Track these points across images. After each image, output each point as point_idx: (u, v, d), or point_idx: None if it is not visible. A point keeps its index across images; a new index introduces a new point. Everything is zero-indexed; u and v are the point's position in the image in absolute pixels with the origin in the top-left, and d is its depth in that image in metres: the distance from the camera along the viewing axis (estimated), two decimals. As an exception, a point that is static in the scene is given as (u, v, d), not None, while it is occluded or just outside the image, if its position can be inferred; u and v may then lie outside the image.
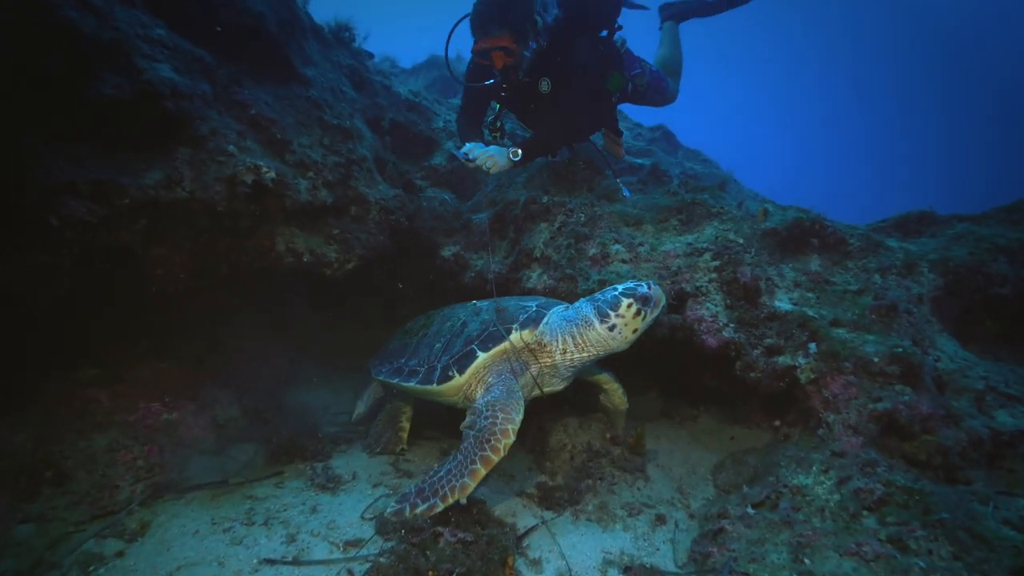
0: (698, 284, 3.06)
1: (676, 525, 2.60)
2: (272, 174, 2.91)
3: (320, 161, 3.48)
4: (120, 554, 2.19)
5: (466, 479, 2.28)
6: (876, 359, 2.58)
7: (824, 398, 2.66)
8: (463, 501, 2.26)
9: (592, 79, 4.00)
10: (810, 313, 2.88)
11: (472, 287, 3.66)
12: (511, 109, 4.42)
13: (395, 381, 2.99)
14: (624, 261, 3.17)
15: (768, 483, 2.52)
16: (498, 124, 4.25)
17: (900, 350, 2.57)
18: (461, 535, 2.23)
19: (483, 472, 2.28)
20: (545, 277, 3.23)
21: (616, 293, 2.59)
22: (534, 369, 2.77)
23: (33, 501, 2.38)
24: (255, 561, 2.17)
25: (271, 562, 2.18)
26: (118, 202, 2.47)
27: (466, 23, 3.84)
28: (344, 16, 4.79)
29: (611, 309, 2.55)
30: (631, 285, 2.61)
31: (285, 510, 2.57)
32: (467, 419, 2.52)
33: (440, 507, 2.26)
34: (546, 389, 2.86)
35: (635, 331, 2.59)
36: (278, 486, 2.82)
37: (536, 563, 2.25)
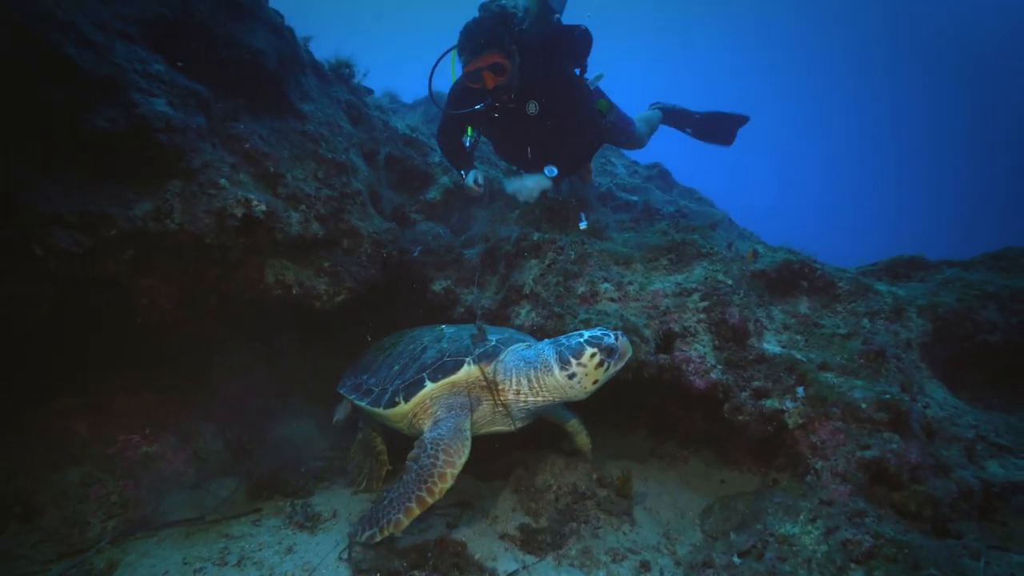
0: (686, 324, 3.04)
1: (661, 572, 2.52)
2: (263, 207, 2.91)
3: (313, 194, 3.50)
4: (85, 596, 2.12)
5: (400, 515, 2.30)
6: (864, 405, 2.54)
7: (812, 443, 2.61)
8: (398, 535, 2.31)
9: (584, 98, 4.26)
10: (798, 356, 2.85)
11: (461, 322, 3.63)
12: (492, 135, 4.55)
13: (352, 398, 3.01)
14: (612, 300, 3.15)
15: (755, 531, 2.45)
16: (473, 152, 4.42)
17: (888, 396, 2.53)
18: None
19: (416, 512, 2.29)
20: (533, 314, 3.21)
21: (581, 340, 2.47)
22: (486, 407, 2.68)
23: (0, 535, 2.31)
24: (224, 606, 2.10)
25: (241, 607, 2.10)
26: (106, 233, 2.47)
27: (447, 59, 4.08)
28: (346, 53, 4.90)
29: (573, 356, 2.45)
30: (597, 333, 2.50)
31: (260, 550, 2.49)
32: (413, 451, 2.51)
33: (379, 537, 2.30)
34: (494, 428, 2.79)
35: (595, 382, 2.48)
36: (255, 524, 2.75)
37: (517, 611, 2.18)
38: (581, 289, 3.21)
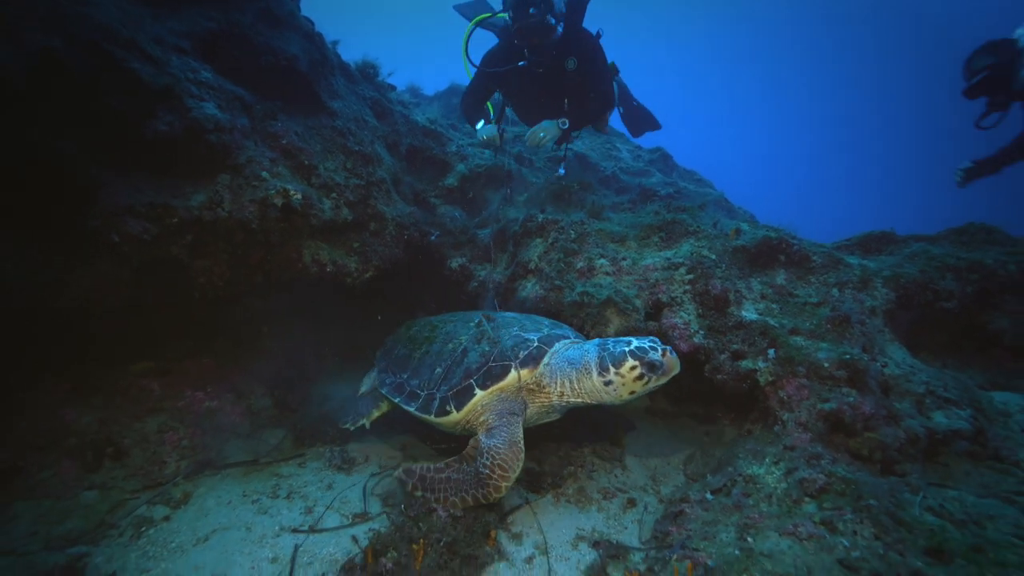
0: (673, 295, 3.20)
1: (645, 508, 2.73)
2: (299, 196, 3.13)
3: (343, 183, 3.71)
4: (167, 518, 2.42)
5: (455, 500, 2.32)
6: (826, 364, 2.69)
7: (780, 398, 2.77)
8: (457, 513, 2.28)
9: (603, 54, 4.69)
10: (772, 322, 3.00)
11: (475, 295, 3.85)
12: (521, 95, 4.81)
13: (397, 400, 2.84)
14: (608, 273, 3.32)
15: (727, 473, 2.64)
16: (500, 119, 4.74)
17: (848, 356, 2.68)
18: (454, 511, 2.41)
19: (471, 505, 2.31)
20: (538, 288, 3.40)
21: (625, 349, 2.34)
22: (533, 408, 2.59)
23: (96, 472, 2.62)
24: (277, 528, 2.38)
25: (292, 530, 2.38)
26: (168, 221, 2.71)
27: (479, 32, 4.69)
28: (373, 52, 5.06)
29: (613, 364, 2.33)
30: (645, 345, 2.35)
31: (305, 486, 2.78)
32: (471, 448, 2.44)
33: (431, 503, 2.32)
34: (542, 422, 2.76)
35: (632, 393, 2.37)
36: (300, 466, 3.03)
37: (517, 536, 2.41)
38: (580, 264, 3.38)
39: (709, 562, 2.00)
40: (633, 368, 2.32)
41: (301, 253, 3.53)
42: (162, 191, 2.79)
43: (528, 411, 2.56)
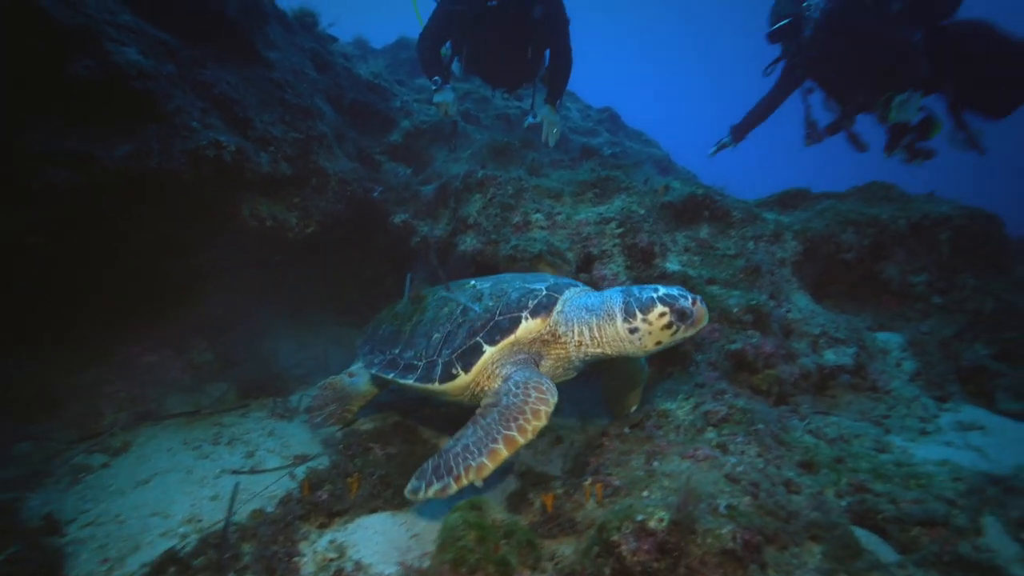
0: (604, 248, 3.34)
1: (571, 444, 2.94)
2: (232, 148, 3.07)
3: (281, 137, 3.63)
4: (105, 465, 2.46)
5: (484, 459, 1.83)
6: (735, 309, 2.92)
7: (695, 342, 3.00)
8: (479, 483, 1.82)
9: (566, 15, 4.79)
10: (691, 273, 3.20)
11: (417, 249, 3.90)
12: (477, 44, 4.83)
13: (391, 376, 2.48)
14: (543, 228, 3.43)
15: (644, 410, 2.87)
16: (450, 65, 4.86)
17: (755, 302, 2.91)
18: (389, 450, 2.54)
19: (505, 454, 1.84)
20: (475, 242, 3.48)
21: (653, 296, 2.11)
22: (548, 362, 2.31)
23: (31, 423, 2.61)
24: (218, 470, 2.46)
25: (233, 472, 2.46)
26: (92, 171, 2.63)
27: None
28: (309, 3, 4.86)
29: (640, 310, 2.09)
30: (674, 292, 2.12)
31: (248, 433, 2.85)
32: (488, 397, 2.11)
33: (453, 488, 1.82)
34: (558, 381, 2.36)
35: (658, 343, 2.14)
36: (243, 415, 3.09)
37: (450, 470, 2.57)
38: (516, 219, 3.47)
39: (616, 482, 2.21)
40: (662, 315, 2.07)
41: (239, 207, 3.48)
42: (85, 140, 2.68)
43: (544, 365, 2.29)
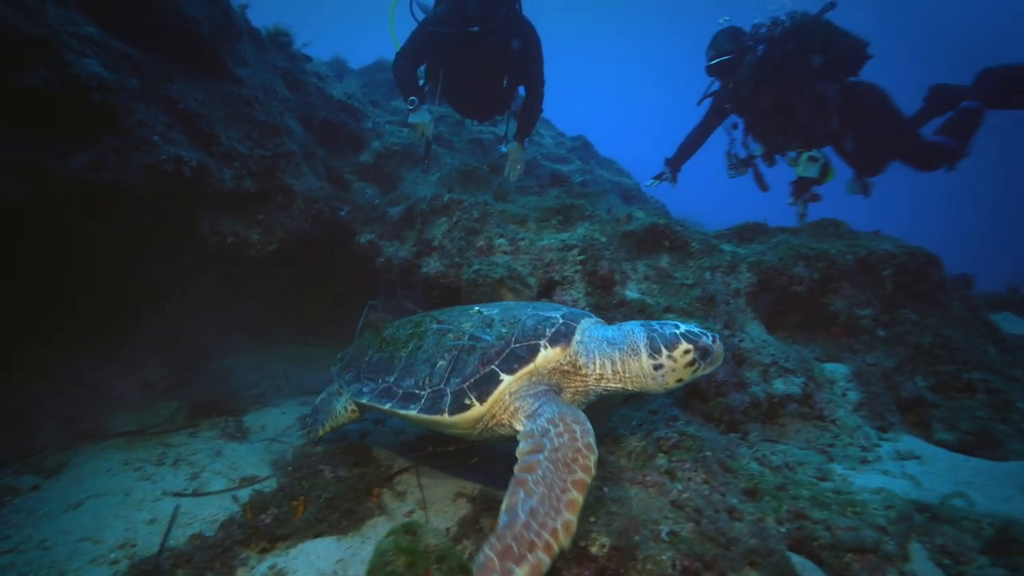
0: (565, 274, 3.40)
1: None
2: (193, 163, 3.04)
3: (247, 153, 3.62)
4: (36, 487, 2.35)
5: (565, 515, 1.61)
6: (690, 338, 2.99)
7: (651, 368, 3.05)
8: (567, 545, 1.56)
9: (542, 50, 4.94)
10: (649, 301, 3.27)
11: (381, 270, 3.90)
12: (454, 69, 4.88)
13: (387, 406, 2.26)
14: (506, 252, 3.48)
15: (598, 435, 2.89)
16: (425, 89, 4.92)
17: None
18: (340, 472, 2.50)
19: (580, 500, 1.66)
20: (439, 264, 3.50)
21: (676, 332, 2.09)
22: (566, 395, 2.18)
23: (-43, 443, 2.49)
24: (159, 493, 2.37)
25: (174, 494, 2.38)
26: (45, 181, 2.57)
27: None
28: (284, 22, 4.90)
29: (665, 347, 2.05)
30: (695, 330, 2.10)
31: (194, 454, 2.76)
32: (523, 443, 1.85)
33: (547, 562, 1.51)
34: None
35: (679, 381, 2.11)
36: (192, 435, 3.00)
37: (401, 495, 2.54)
38: (480, 243, 3.51)
39: (566, 508, 2.21)
40: (686, 352, 2.05)
41: (199, 223, 3.44)
42: (39, 151, 2.64)
43: (562, 397, 2.14)
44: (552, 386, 2.13)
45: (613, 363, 2.13)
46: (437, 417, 2.11)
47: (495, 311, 2.36)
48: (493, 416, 2.09)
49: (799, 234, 3.86)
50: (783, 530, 1.98)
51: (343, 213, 4.25)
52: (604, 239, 3.55)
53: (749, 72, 4.72)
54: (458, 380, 2.13)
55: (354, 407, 2.67)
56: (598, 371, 2.14)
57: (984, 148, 4.61)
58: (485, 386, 2.06)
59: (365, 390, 2.43)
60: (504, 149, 5.03)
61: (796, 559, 1.85)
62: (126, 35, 3.08)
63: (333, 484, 2.33)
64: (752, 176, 5.49)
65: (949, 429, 2.73)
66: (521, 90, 5.26)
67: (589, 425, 1.84)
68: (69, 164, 2.67)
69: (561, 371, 2.15)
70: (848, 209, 5.06)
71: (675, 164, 5.78)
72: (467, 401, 2.05)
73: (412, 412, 2.17)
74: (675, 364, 2.07)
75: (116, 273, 3.39)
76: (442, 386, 2.16)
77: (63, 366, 3.16)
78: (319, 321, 4.90)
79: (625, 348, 2.12)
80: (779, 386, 2.96)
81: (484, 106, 5.36)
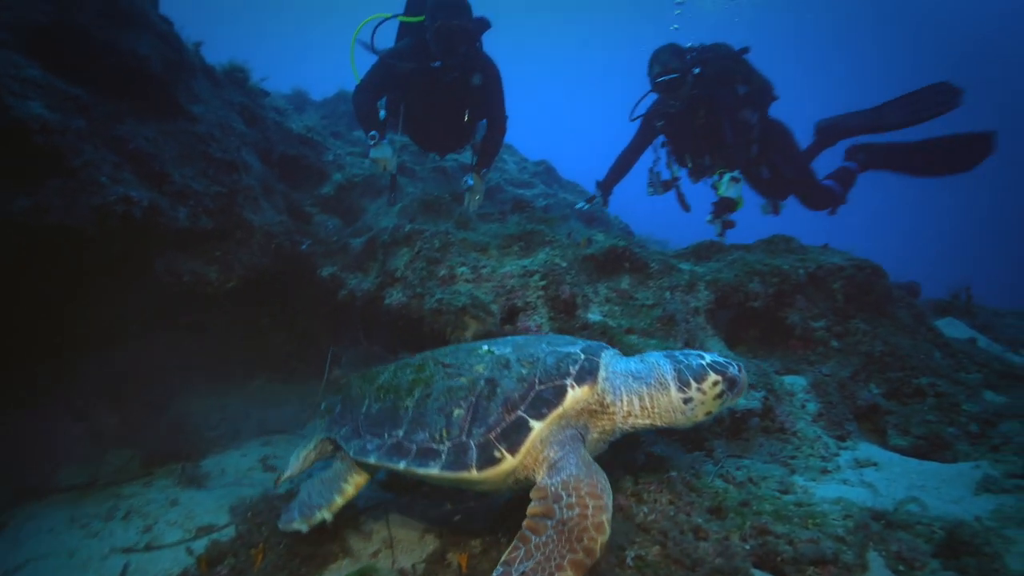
0: (528, 300, 3.42)
1: (498, 496, 2.91)
2: (144, 203, 2.99)
3: (202, 191, 3.57)
4: (-30, 552, 2.20)
5: None
6: (652, 358, 3.04)
7: (616, 390, 3.08)
8: None
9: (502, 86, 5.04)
10: (611, 323, 3.32)
11: (344, 303, 3.86)
12: (414, 104, 4.95)
13: (400, 465, 2.02)
14: (468, 281, 3.49)
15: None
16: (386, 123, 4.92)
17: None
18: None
19: None
20: (401, 295, 3.49)
21: (703, 363, 2.02)
22: (593, 435, 2.04)
23: None
24: (107, 550, 2.25)
25: (124, 550, 2.27)
26: (-18, 227, 2.49)
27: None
28: (240, 58, 4.90)
29: (693, 379, 1.98)
30: (720, 360, 2.03)
31: (147, 505, 2.64)
32: (535, 503, 1.78)
33: None
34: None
35: (707, 414, 2.03)
36: (146, 485, 2.88)
37: (367, 535, 2.47)
38: (442, 272, 3.52)
39: (534, 538, 2.19)
40: (715, 384, 1.98)
41: (152, 262, 3.36)
42: (-22, 195, 2.55)
43: (588, 440, 2.01)
44: (579, 428, 1.99)
45: (641, 399, 2.02)
46: (464, 474, 1.88)
47: (507, 349, 2.18)
48: (525, 466, 1.92)
49: (753, 251, 3.99)
50: (747, 547, 2.00)
51: (304, 247, 4.21)
52: (565, 264, 3.61)
53: (688, 90, 4.95)
54: (482, 430, 1.93)
55: (360, 473, 2.32)
56: (626, 408, 2.03)
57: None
58: (515, 435, 1.87)
59: (370, 447, 2.14)
60: (470, 181, 5.02)
61: (760, 575, 1.87)
62: (74, 76, 3.04)
63: (294, 528, 2.25)
64: (676, 196, 5.76)
65: (903, 434, 2.82)
66: (483, 123, 5.34)
67: (607, 498, 1.70)
68: (11, 208, 2.59)
69: (589, 411, 2.02)
70: (806, 223, 5.38)
71: (606, 187, 5.91)
72: (496, 454, 1.86)
73: (433, 471, 1.93)
74: (704, 397, 1.99)
75: (65, 316, 3.26)
76: (464, 438, 1.95)
77: (8, 414, 3.00)
78: (283, 357, 4.79)
79: (652, 382, 2.02)
80: (741, 401, 3.01)
81: (444, 140, 5.41)
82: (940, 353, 3.48)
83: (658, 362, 2.05)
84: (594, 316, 3.42)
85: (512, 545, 1.71)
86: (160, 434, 3.41)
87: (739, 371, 2.01)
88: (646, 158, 5.77)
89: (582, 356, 2.04)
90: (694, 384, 1.97)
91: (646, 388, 2.02)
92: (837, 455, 2.76)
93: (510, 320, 3.38)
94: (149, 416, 3.63)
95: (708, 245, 4.19)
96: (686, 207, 5.81)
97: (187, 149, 3.70)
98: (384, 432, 2.15)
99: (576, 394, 1.94)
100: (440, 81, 4.67)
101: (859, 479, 2.50)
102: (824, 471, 2.61)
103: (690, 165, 5.43)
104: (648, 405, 2.02)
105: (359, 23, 5.16)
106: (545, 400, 1.92)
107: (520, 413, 1.91)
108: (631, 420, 2.04)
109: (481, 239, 3.80)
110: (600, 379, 1.99)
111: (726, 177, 4.79)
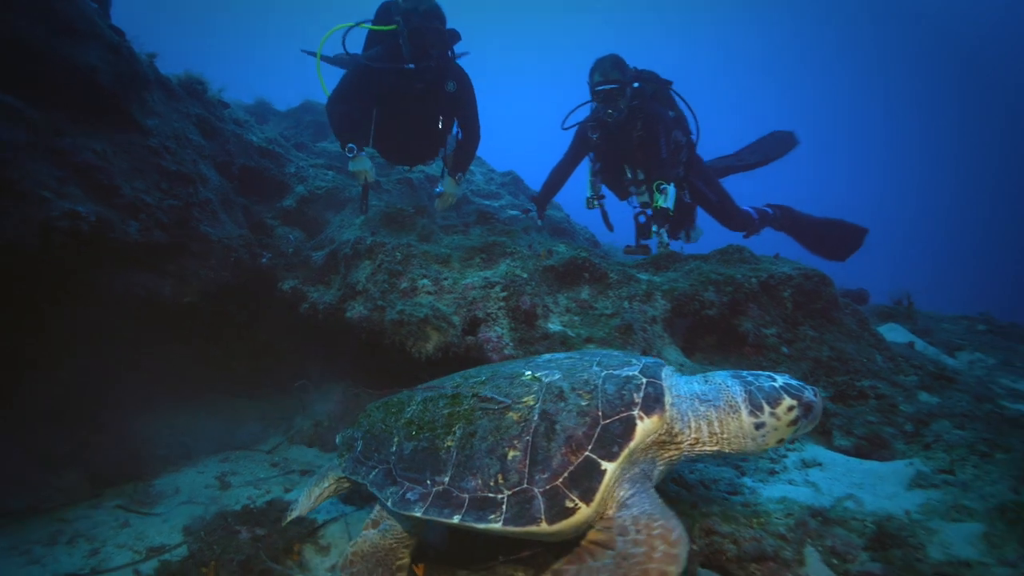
0: (489, 311, 3.47)
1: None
2: (92, 218, 2.93)
3: (155, 204, 3.52)
4: (-101, 585, 2.11)
5: None
6: (610, 366, 3.12)
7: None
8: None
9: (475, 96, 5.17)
10: (571, 333, 3.40)
11: (306, 316, 3.84)
12: (387, 110, 4.98)
13: (453, 520, 1.75)
14: (429, 293, 3.52)
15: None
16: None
17: (626, 359, 3.13)
18: (257, 530, 2.40)
19: None
20: (363, 308, 3.50)
21: (776, 385, 1.86)
22: (658, 471, 1.87)
23: None
24: (49, 576, 2.19)
25: None
26: (-84, 244, 2.40)
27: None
28: (197, 70, 4.84)
29: (766, 402, 1.83)
30: (795, 384, 1.88)
31: (95, 528, 2.57)
32: (598, 530, 1.66)
33: None
34: None
35: (779, 442, 1.87)
36: (94, 507, 2.80)
37: (325, 549, 2.46)
38: (404, 285, 3.54)
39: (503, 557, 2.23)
40: (791, 409, 1.82)
41: (103, 278, 3.29)
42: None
43: (654, 475, 1.84)
44: (647, 463, 1.82)
45: (710, 424, 1.86)
46: (533, 528, 1.65)
47: (556, 375, 1.96)
48: (599, 512, 1.70)
49: (709, 260, 4.14)
50: (695, 548, 2.07)
51: (264, 260, 4.17)
52: (525, 275, 3.68)
53: (627, 102, 5.14)
54: (545, 476, 1.71)
55: (398, 529, 2.10)
56: (693, 435, 1.86)
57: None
58: (586, 481, 1.66)
59: (411, 496, 1.87)
60: (441, 188, 5.13)
61: (706, 574, 1.94)
62: (17, 89, 2.97)
63: (249, 544, 2.24)
64: (600, 215, 6.00)
65: (846, 435, 2.96)
66: (456, 132, 5.40)
67: (682, 549, 1.52)
68: (-53, 224, 2.51)
69: (658, 442, 1.83)
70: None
71: (541, 201, 6.09)
72: (569, 504, 1.64)
73: (495, 525, 1.68)
74: (778, 423, 1.82)
75: (9, 334, 3.16)
76: (525, 484, 1.72)
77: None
78: (244, 371, 4.71)
79: (721, 405, 1.87)
80: (694, 407, 3.12)
81: (416, 150, 5.45)
82: (881, 357, 3.66)
83: (726, 383, 1.92)
84: (554, 326, 3.49)
85: (566, 558, 1.63)
86: (111, 454, 3.31)
87: (815, 396, 1.85)
88: (581, 170, 5.95)
89: (644, 380, 1.87)
90: (767, 408, 1.82)
91: (715, 412, 1.86)
92: (785, 456, 2.88)
93: (471, 331, 3.43)
94: (99, 435, 3.53)
95: (667, 255, 4.32)
96: (610, 226, 6.08)
97: (140, 162, 3.63)
98: (425, 478, 1.90)
99: (646, 426, 1.76)
100: (414, 86, 4.72)
101: (804, 479, 2.62)
102: (772, 472, 2.72)
103: (629, 176, 5.59)
104: (717, 431, 1.86)
105: (326, 31, 5.20)
106: (613, 435, 1.73)
107: (588, 454, 1.71)
108: (698, 447, 1.88)
109: (443, 251, 3.84)
110: (667, 405, 1.82)
111: (655, 186, 4.97)
